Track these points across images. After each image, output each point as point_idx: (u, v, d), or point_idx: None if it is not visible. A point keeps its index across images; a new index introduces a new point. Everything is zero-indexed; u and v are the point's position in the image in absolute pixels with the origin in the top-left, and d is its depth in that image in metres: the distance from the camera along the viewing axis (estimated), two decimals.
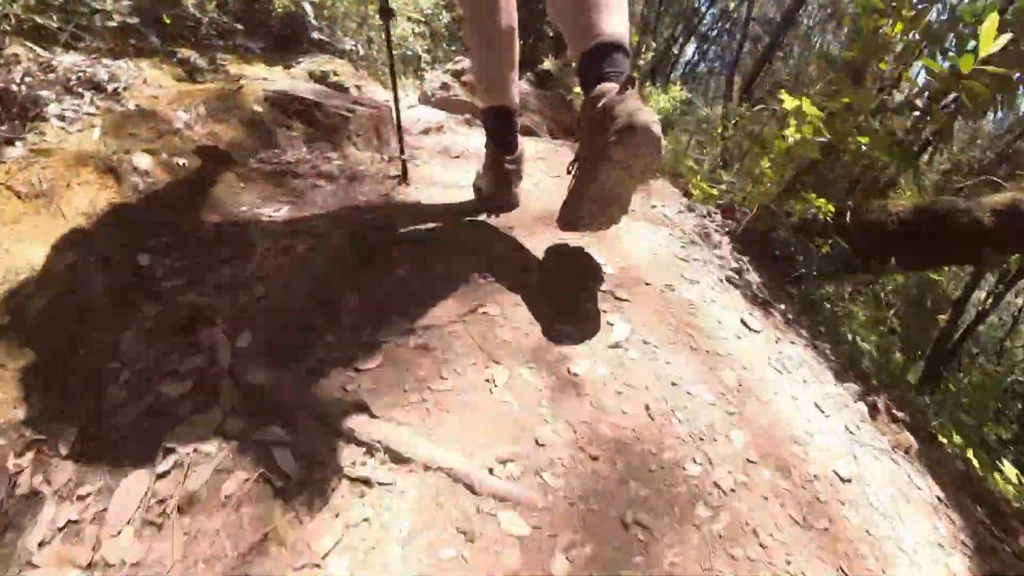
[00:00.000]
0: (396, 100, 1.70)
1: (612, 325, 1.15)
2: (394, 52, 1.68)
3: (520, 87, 2.84)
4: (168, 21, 2.39)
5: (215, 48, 2.61)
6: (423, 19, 4.39)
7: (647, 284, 1.36)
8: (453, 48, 5.13)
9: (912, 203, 3.15)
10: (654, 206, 1.99)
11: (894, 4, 2.22)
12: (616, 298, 1.26)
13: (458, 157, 2.29)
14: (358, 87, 3.03)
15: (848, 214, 2.83)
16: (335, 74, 2.90)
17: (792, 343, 1.56)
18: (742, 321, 1.45)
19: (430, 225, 1.39)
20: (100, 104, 1.60)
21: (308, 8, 2.91)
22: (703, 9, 10.95)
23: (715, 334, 1.30)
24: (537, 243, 1.41)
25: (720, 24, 11.39)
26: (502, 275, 1.23)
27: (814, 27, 10.50)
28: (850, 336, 3.47)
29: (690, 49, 12.08)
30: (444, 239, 1.36)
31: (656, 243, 1.65)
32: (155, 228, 1.22)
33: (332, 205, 1.51)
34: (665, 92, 5.44)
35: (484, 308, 1.10)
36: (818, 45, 10.54)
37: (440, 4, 4.74)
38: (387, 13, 1.54)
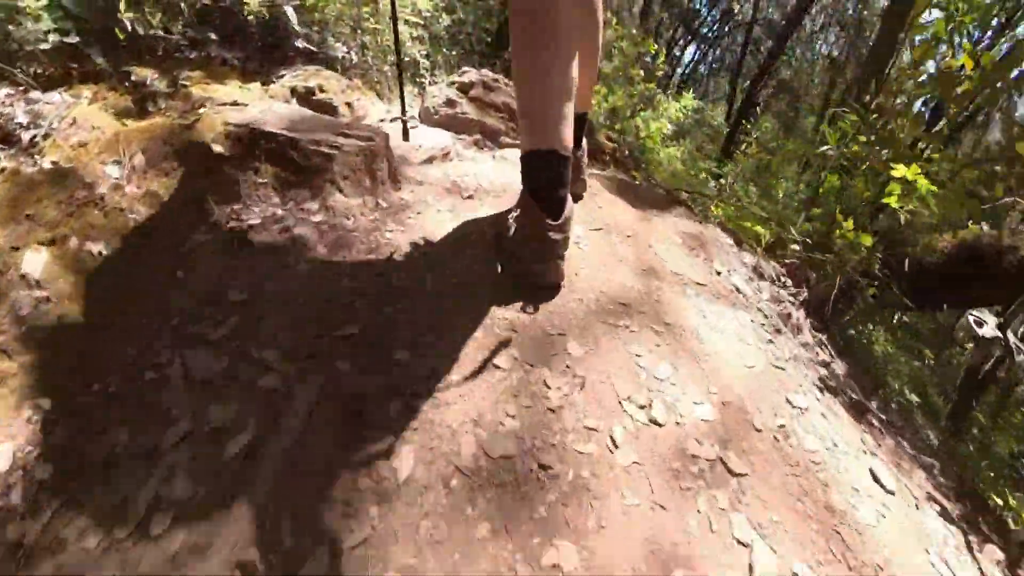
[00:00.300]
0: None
1: (748, 548, 0.72)
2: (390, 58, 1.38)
3: None
4: (122, 36, 1.90)
5: (184, 63, 2.13)
6: (421, 22, 3.90)
7: (757, 430, 0.94)
8: (453, 52, 4.64)
9: (957, 240, 2.79)
10: (719, 272, 1.57)
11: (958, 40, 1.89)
12: (730, 471, 0.83)
13: (471, 197, 1.83)
14: (349, 105, 2.55)
15: (907, 261, 2.46)
16: (321, 90, 2.42)
17: (929, 503, 1.15)
18: (872, 476, 1.04)
19: None
20: (6, 164, 1.14)
21: (291, 13, 2.43)
22: (703, 12, 10.46)
23: (857, 516, 0.89)
24: (604, 363, 0.97)
25: (719, 27, 10.92)
26: (566, 454, 0.79)
27: (818, 30, 10.06)
28: (896, 385, 3.10)
29: (689, 51, 11.61)
30: (461, 365, 0.91)
31: (744, 339, 1.23)
32: (36, 387, 0.76)
33: (301, 305, 1.04)
34: (676, 100, 4.99)
35: (553, 553, 0.66)
36: (820, 47, 10.14)
37: (440, 5, 4.25)
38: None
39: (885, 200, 1.71)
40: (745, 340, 1.24)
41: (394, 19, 1.38)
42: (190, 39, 2.36)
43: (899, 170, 1.59)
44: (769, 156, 3.96)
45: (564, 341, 0.97)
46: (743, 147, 3.79)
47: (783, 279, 1.81)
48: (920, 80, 2.15)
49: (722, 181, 4.35)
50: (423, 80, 4.07)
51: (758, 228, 2.39)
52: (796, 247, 1.78)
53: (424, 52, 4.18)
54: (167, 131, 1.38)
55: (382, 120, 2.47)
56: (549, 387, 0.86)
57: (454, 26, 4.93)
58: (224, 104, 1.77)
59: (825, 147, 1.98)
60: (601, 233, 1.50)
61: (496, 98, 2.42)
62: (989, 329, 1.42)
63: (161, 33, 1.84)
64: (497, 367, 0.87)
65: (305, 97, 2.31)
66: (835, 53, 9.73)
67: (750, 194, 4.45)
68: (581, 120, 1.45)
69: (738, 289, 1.54)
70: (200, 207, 1.21)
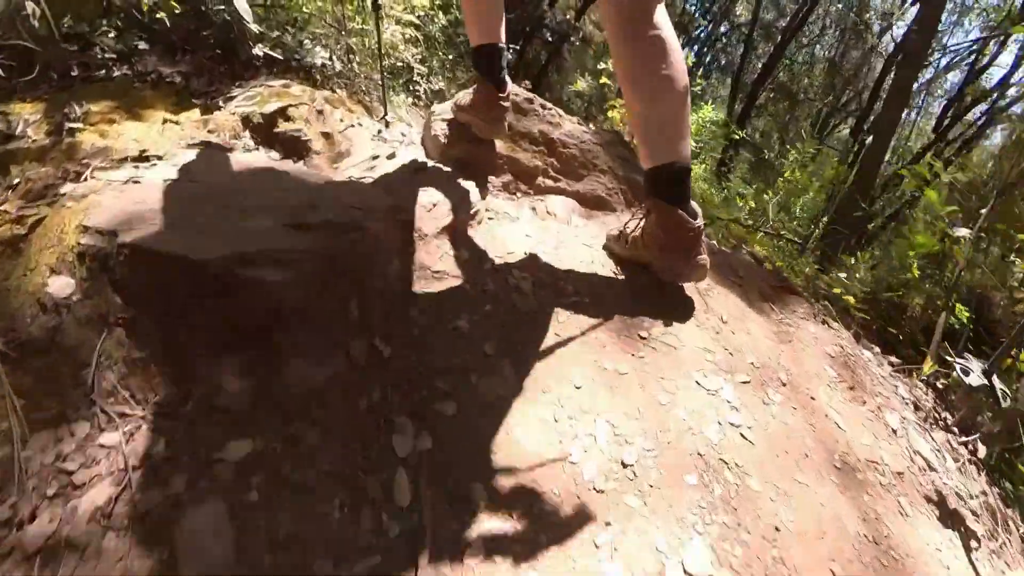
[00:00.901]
0: None
1: None
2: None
3: (574, 132, 1.68)
4: None
5: (94, 88, 1.42)
6: (415, 22, 3.17)
7: None
8: (451, 57, 3.92)
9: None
10: (894, 430, 0.95)
11: None
12: None
13: (535, 312, 1.05)
14: (327, 136, 1.81)
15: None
16: (286, 117, 1.70)
17: None
18: None
19: None
20: None
21: (243, 6, 1.70)
22: (697, 16, 9.74)
23: None
24: None
25: (712, 27, 10.22)
26: None
27: (820, 34, 9.44)
28: None
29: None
30: None
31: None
32: None
33: None
34: (695, 111, 4.34)
35: None
36: (817, 50, 9.54)
37: (436, 4, 3.51)
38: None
39: None
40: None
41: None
42: (118, 51, 1.63)
43: None
44: (815, 181, 3.36)
45: None
46: (787, 172, 3.18)
47: (942, 414, 1.18)
48: None
49: (751, 204, 3.76)
50: (418, 87, 3.36)
51: (849, 299, 1.77)
52: (949, 369, 1.15)
53: (419, 56, 3.46)
54: None
55: (375, 156, 1.68)
56: None
57: (449, 27, 4.20)
58: (122, 161, 1.07)
59: (954, 222, 1.36)
60: (753, 390, 0.86)
61: (530, 125, 1.62)
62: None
63: (68, 46, 1.15)
64: None
65: (263, 129, 1.59)
66: (829, 54, 9.16)
67: (780, 218, 3.87)
68: (683, 175, 1.08)
69: (929, 463, 0.92)
70: None
